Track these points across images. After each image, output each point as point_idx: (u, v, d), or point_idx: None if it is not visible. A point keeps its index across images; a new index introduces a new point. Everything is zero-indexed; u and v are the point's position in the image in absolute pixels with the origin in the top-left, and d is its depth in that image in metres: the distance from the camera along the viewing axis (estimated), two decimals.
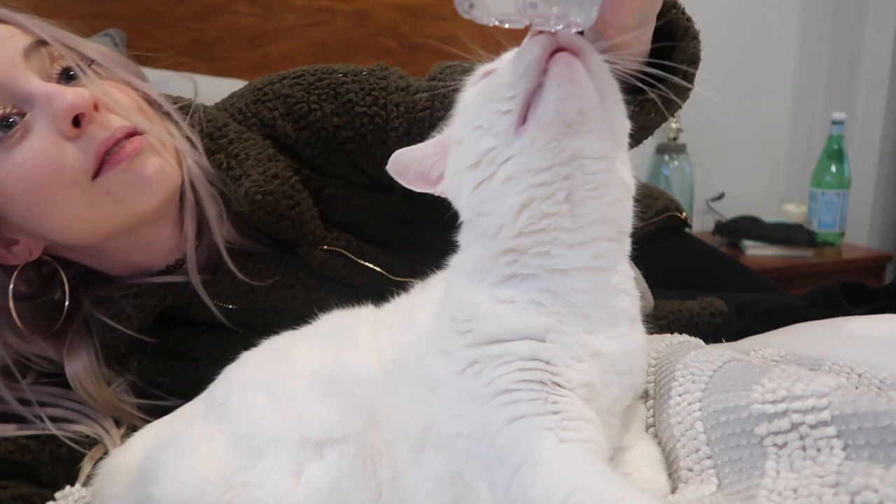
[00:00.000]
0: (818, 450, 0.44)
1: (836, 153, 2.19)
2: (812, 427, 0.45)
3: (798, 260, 2.11)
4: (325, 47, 1.81)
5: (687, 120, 2.25)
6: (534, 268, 0.53)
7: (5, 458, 0.71)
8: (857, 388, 0.55)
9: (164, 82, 0.91)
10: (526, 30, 0.52)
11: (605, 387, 0.53)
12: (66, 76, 0.73)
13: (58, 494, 0.70)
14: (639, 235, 0.58)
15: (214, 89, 0.98)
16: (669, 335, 0.71)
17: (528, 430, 0.48)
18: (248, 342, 0.71)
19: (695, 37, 0.72)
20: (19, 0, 0.74)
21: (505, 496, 0.47)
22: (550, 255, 0.53)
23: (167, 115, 0.82)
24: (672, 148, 2.25)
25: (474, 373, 0.52)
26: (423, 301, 0.63)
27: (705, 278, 1.17)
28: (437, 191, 0.61)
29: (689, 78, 0.71)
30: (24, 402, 0.76)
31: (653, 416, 0.60)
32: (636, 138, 0.69)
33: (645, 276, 0.92)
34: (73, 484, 0.72)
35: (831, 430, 0.44)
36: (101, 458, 0.72)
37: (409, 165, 0.62)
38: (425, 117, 0.84)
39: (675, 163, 2.24)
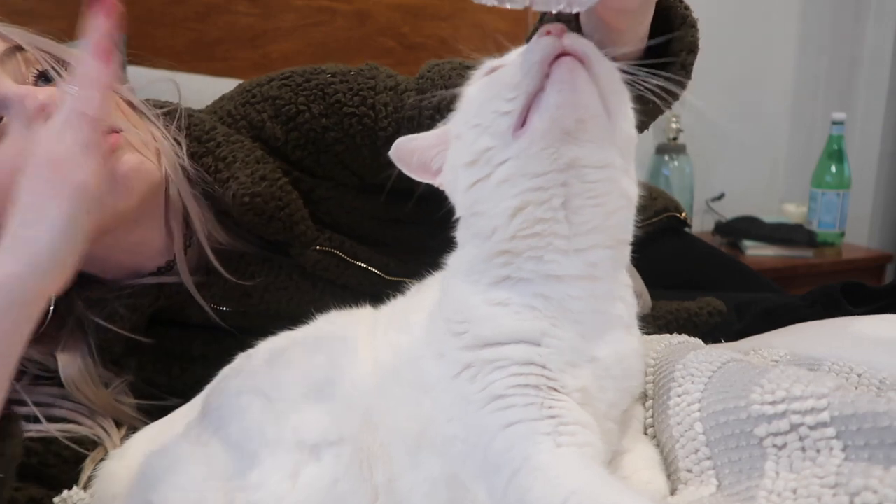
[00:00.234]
0: (818, 451, 0.44)
1: (836, 153, 2.19)
2: (811, 428, 0.45)
3: (798, 260, 2.11)
4: (325, 47, 1.81)
5: (687, 120, 2.25)
6: (527, 272, 0.53)
7: None
8: (856, 388, 0.55)
9: (162, 83, 0.91)
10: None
11: (600, 391, 0.52)
12: (43, 79, 0.73)
13: (56, 499, 0.69)
14: (638, 236, 0.58)
15: (215, 89, 0.97)
16: (668, 335, 0.71)
17: (524, 436, 0.48)
18: (245, 343, 0.71)
19: (693, 25, 0.72)
20: (9, 4, 0.74)
21: (503, 500, 0.47)
22: (544, 260, 0.52)
23: (145, 116, 0.82)
24: (672, 148, 2.25)
25: (469, 377, 0.51)
26: (419, 303, 0.63)
27: (705, 278, 1.17)
28: (436, 182, 0.61)
29: (688, 67, 0.71)
30: (24, 404, 0.76)
31: (652, 417, 0.60)
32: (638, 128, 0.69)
33: (644, 277, 0.92)
34: (76, 485, 0.72)
35: (831, 431, 0.44)
36: (102, 460, 0.72)
37: (412, 153, 0.62)
38: (414, 116, 0.83)
39: (675, 163, 2.24)
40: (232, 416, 0.61)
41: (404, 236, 0.93)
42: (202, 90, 0.92)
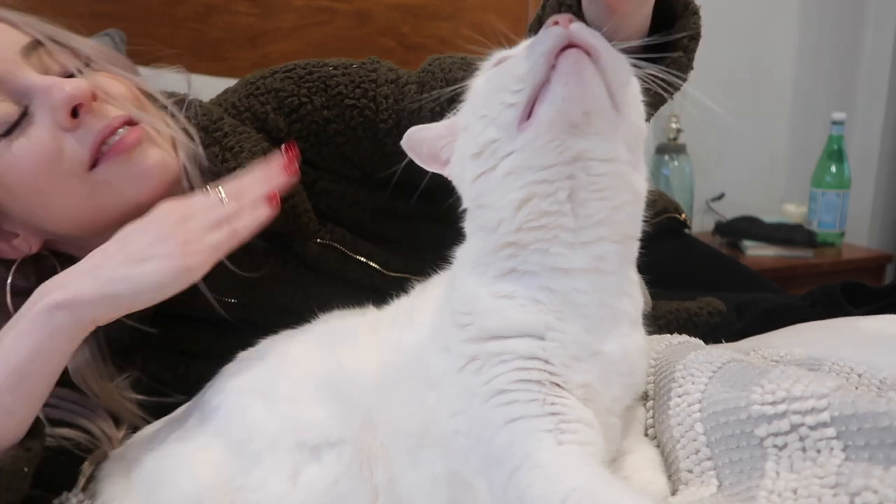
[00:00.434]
0: (818, 451, 0.44)
1: (836, 153, 2.19)
2: (812, 428, 0.45)
3: (798, 260, 2.11)
4: (325, 47, 1.81)
5: (687, 120, 2.25)
6: (533, 264, 0.53)
7: None
8: (857, 388, 0.55)
9: (159, 79, 0.91)
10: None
11: (604, 386, 0.52)
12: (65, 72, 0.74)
13: (55, 501, 0.69)
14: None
15: (215, 89, 0.98)
16: (669, 336, 0.71)
17: (526, 432, 0.48)
18: (249, 340, 0.71)
19: (695, 12, 0.71)
20: (8, 4, 0.75)
21: (503, 496, 0.47)
22: (550, 253, 0.52)
23: (164, 108, 0.83)
24: (672, 148, 2.25)
25: (473, 370, 0.52)
26: (423, 302, 0.63)
27: (705, 279, 1.17)
28: (445, 172, 0.61)
29: (690, 54, 0.71)
30: None
31: (652, 418, 0.60)
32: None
33: (644, 277, 0.92)
34: (75, 486, 0.72)
35: (831, 431, 0.44)
36: (101, 462, 0.71)
37: (422, 143, 0.62)
38: (415, 109, 0.84)
39: (675, 163, 2.24)
40: (232, 416, 0.61)
41: (405, 232, 0.94)
42: (202, 90, 0.92)
